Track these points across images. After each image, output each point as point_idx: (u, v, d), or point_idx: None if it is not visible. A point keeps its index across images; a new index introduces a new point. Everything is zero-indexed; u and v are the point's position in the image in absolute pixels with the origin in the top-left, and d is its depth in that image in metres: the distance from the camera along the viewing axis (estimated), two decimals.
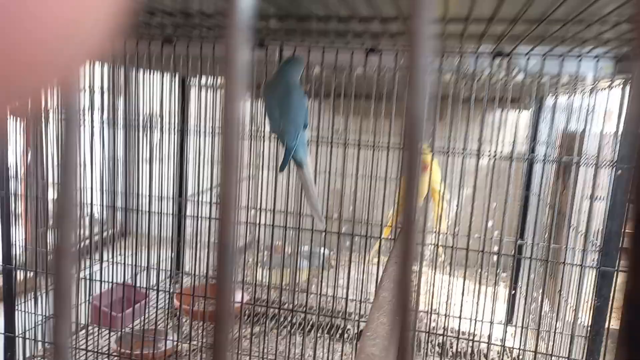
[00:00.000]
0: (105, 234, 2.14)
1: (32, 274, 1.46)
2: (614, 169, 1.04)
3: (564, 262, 1.34)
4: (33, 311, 1.40)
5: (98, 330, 1.57)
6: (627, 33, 0.74)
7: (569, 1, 0.62)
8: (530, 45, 0.95)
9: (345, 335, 1.81)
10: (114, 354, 1.49)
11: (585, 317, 1.28)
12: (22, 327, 1.40)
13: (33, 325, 1.41)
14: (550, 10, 0.67)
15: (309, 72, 1.16)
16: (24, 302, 1.41)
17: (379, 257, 1.61)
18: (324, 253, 1.99)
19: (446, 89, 1.34)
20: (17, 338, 1.37)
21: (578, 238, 1.39)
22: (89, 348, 1.46)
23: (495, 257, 1.92)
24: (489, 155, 1.36)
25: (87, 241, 1.67)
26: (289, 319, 1.84)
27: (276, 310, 1.76)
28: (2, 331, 1.36)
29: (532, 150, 1.73)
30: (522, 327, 1.60)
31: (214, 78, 1.54)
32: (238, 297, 1.76)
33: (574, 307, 1.28)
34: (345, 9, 0.76)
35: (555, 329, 1.44)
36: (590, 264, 1.24)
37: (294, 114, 1.06)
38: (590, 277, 1.25)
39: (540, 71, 0.98)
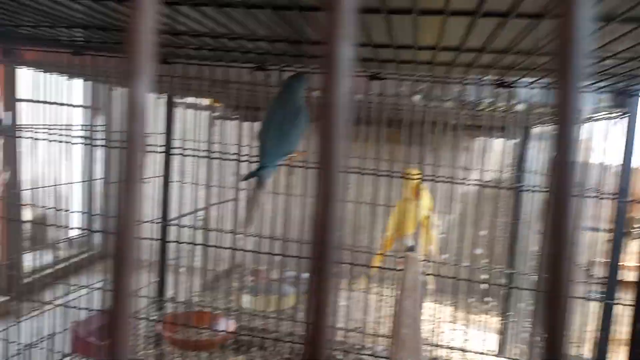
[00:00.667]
0: (84, 256, 2.05)
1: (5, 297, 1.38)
2: (617, 201, 1.04)
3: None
4: (7, 338, 1.32)
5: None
6: (637, 69, 0.74)
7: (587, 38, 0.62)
8: (533, 77, 0.95)
9: None
10: None
11: (582, 350, 1.27)
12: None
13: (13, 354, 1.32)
14: None
15: (308, 96, 1.14)
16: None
17: (368, 285, 1.58)
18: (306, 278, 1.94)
19: (429, 115, 1.33)
20: None
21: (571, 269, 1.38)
22: None
23: (483, 286, 1.90)
24: (477, 183, 1.34)
25: (65, 264, 1.60)
26: (275, 348, 1.78)
27: (263, 339, 1.71)
28: None
29: (518, 179, 1.73)
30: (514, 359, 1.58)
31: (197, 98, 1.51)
32: (223, 325, 1.70)
33: (573, 340, 1.27)
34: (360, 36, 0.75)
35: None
36: (586, 295, 1.23)
37: (294, 136, 1.04)
38: (587, 308, 1.25)
39: (545, 101, 0.98)
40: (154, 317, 1.69)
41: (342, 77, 0.13)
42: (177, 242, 1.47)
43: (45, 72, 1.23)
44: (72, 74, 1.24)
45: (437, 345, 1.51)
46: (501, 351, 1.81)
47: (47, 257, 1.59)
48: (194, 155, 1.39)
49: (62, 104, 1.32)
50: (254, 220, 1.15)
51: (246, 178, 1.07)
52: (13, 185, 1.30)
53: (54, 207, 1.34)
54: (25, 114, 1.31)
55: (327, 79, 0.13)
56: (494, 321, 1.97)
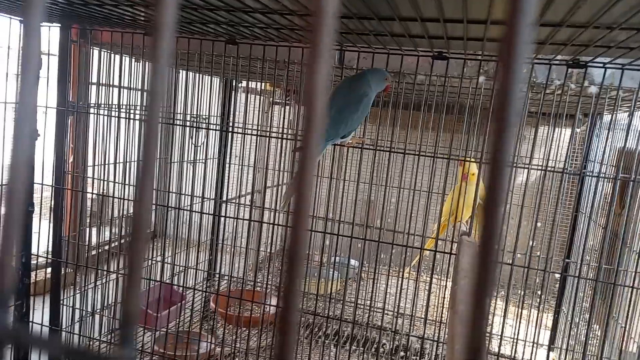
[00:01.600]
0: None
1: (72, 269, 1.46)
2: None
3: (622, 285, 1.27)
4: (77, 306, 1.40)
5: (144, 330, 1.56)
6: None
7: None
8: (609, 57, 0.89)
9: (381, 350, 1.76)
10: (154, 354, 1.48)
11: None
12: (65, 322, 1.40)
13: (77, 320, 1.41)
14: None
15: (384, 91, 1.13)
16: (67, 297, 1.40)
17: (418, 272, 1.55)
18: (358, 265, 1.94)
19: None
20: (62, 332, 1.37)
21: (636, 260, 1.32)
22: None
23: (537, 279, 1.84)
24: (538, 168, 1.28)
25: (127, 239, 1.67)
26: (323, 329, 1.81)
27: (310, 319, 1.73)
28: (47, 324, 1.36)
29: (585, 167, 1.66)
30: (566, 350, 1.53)
31: (261, 82, 1.52)
32: (273, 304, 1.73)
33: (632, 333, 1.21)
34: (412, 11, 0.73)
35: (602, 354, 1.36)
36: None
37: (351, 122, 1.04)
38: None
39: (618, 84, 0.92)
40: (208, 293, 1.75)
41: (519, 65, 0.12)
42: (235, 217, 1.50)
43: (115, 53, 1.27)
44: (140, 55, 1.27)
45: (488, 335, 1.48)
46: (551, 346, 1.76)
47: (112, 230, 1.66)
48: (250, 134, 1.40)
49: (127, 88, 1.37)
50: (291, 197, 1.18)
51: (295, 150, 1.09)
52: (82, 161, 1.36)
53: (118, 182, 1.40)
54: (95, 93, 1.36)
55: (504, 67, 0.12)
56: (546, 316, 1.91)
